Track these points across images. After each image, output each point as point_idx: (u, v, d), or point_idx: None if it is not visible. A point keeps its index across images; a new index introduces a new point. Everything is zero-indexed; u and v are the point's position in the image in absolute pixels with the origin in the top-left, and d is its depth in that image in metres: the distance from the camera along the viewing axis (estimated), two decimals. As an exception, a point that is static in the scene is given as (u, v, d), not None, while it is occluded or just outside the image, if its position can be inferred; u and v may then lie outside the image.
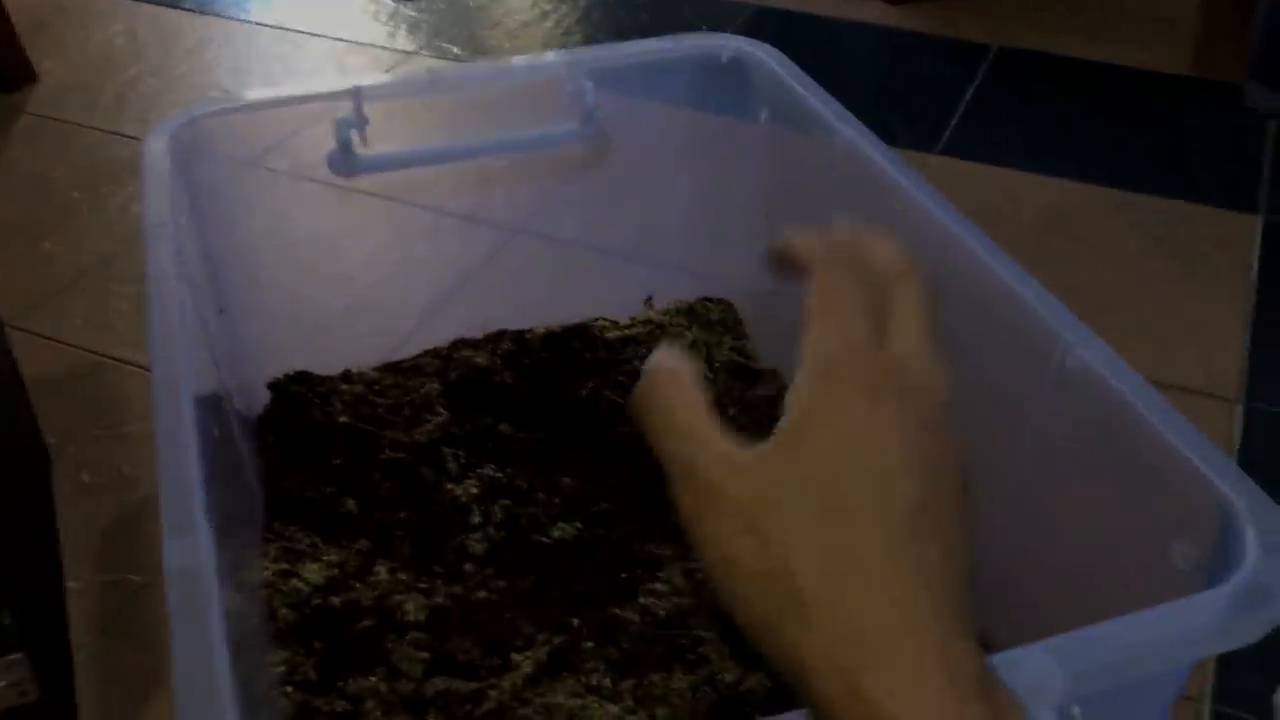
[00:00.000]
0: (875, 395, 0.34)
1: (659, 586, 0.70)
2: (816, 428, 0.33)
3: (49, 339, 1.10)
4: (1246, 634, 0.45)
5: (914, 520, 0.32)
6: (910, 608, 0.31)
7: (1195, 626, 0.45)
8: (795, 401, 0.34)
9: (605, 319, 0.95)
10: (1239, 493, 0.50)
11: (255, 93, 0.81)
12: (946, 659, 0.31)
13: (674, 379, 0.37)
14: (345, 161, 0.83)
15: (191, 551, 0.48)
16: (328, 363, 0.91)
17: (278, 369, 0.89)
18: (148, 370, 1.04)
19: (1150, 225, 1.24)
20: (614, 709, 0.62)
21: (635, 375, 0.91)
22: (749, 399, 0.87)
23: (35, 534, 0.89)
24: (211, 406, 0.68)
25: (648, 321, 0.95)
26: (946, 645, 0.31)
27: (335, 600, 0.69)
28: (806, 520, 0.32)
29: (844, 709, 0.31)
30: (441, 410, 0.85)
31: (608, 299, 0.97)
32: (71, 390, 1.05)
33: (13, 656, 0.69)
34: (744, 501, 0.33)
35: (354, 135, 0.82)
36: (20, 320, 1.12)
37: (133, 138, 1.39)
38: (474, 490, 0.78)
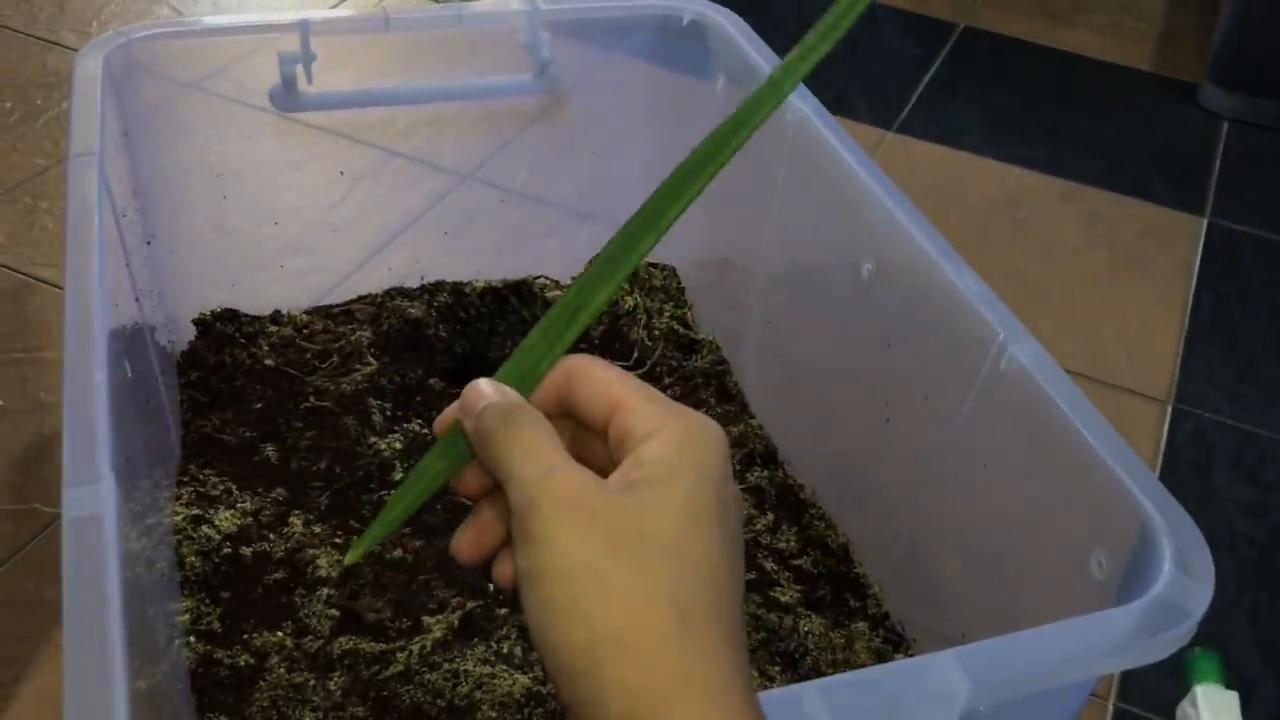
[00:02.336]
0: (725, 460, 0.35)
1: (579, 556, 0.70)
2: (682, 478, 0.34)
3: (-31, 254, 1.06)
4: (1155, 652, 0.46)
5: (742, 581, 0.35)
6: (742, 662, 0.33)
7: (1105, 643, 0.45)
8: (655, 456, 0.35)
9: (546, 277, 0.94)
10: (1160, 508, 0.50)
11: (197, 18, 0.78)
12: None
13: (518, 409, 0.37)
14: (288, 97, 0.80)
15: (92, 501, 0.46)
16: (257, 302, 0.88)
17: (205, 305, 0.86)
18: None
19: (1095, 218, 1.25)
20: (523, 679, 0.61)
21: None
22: (685, 370, 0.87)
23: (-58, 456, 0.86)
24: (130, 340, 0.65)
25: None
26: (751, 699, 0.33)
27: (246, 551, 0.67)
28: (671, 557, 0.33)
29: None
30: (371, 360, 0.83)
31: (551, 256, 0.96)
32: (-10, 309, 1.01)
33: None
34: (614, 523, 0.33)
35: (299, 70, 0.79)
36: (-59, 232, 1.08)
37: (70, 49, 1.34)
38: (398, 445, 0.76)
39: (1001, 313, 0.59)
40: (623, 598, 0.32)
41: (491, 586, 0.67)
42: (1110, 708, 0.80)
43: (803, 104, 0.75)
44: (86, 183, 0.61)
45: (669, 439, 0.35)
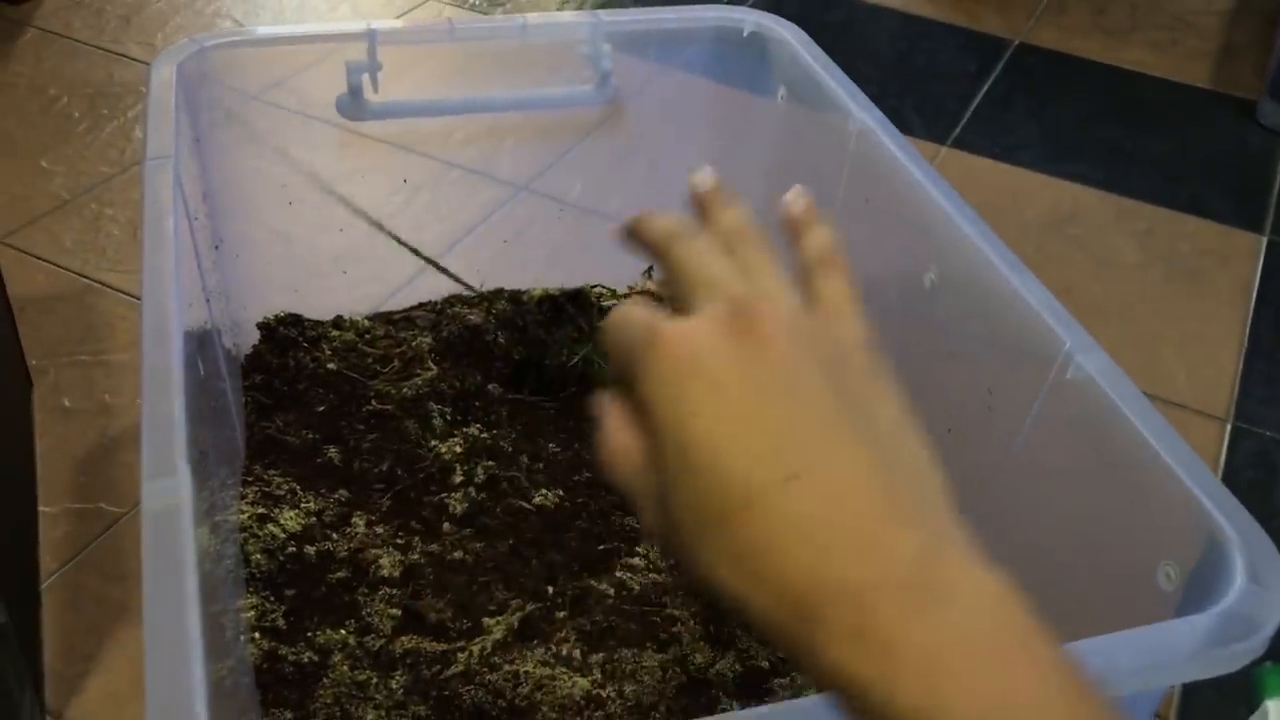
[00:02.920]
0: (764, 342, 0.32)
1: (636, 561, 0.70)
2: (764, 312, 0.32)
3: (38, 258, 1.09)
4: (1227, 664, 0.45)
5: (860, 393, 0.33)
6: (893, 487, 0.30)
7: (1174, 653, 0.45)
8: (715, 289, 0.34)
9: (603, 286, 0.94)
10: (1231, 520, 0.49)
11: (267, 28, 0.79)
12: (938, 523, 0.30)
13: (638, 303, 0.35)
14: (354, 105, 0.82)
15: (170, 494, 0.47)
16: (320, 307, 0.90)
17: (269, 309, 0.88)
18: (136, 298, 1.03)
19: (1152, 236, 1.24)
20: (582, 682, 0.62)
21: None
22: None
23: (11, 456, 0.88)
24: (199, 342, 0.67)
25: (645, 292, 0.94)
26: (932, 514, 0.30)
27: (310, 550, 0.68)
28: (776, 395, 0.31)
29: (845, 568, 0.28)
30: (431, 365, 0.84)
31: (607, 265, 0.97)
32: (58, 312, 1.03)
33: (-22, 578, 0.68)
34: (719, 367, 0.31)
35: (365, 79, 0.80)
36: (10, 237, 1.10)
37: (136, 60, 1.37)
38: (458, 449, 0.77)
39: (1067, 321, 0.59)
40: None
41: (551, 589, 0.68)
42: (1170, 727, 0.79)
43: (865, 115, 0.75)
44: (161, 185, 0.63)
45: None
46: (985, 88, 1.47)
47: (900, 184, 0.70)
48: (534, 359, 0.88)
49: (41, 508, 0.87)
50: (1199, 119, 1.44)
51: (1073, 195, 1.29)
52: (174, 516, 0.46)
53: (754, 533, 0.29)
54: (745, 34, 0.86)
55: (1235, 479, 0.96)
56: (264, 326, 0.86)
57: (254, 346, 0.85)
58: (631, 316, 0.34)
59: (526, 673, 0.62)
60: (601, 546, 0.71)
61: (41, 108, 1.28)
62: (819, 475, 0.30)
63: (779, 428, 0.30)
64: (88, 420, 0.93)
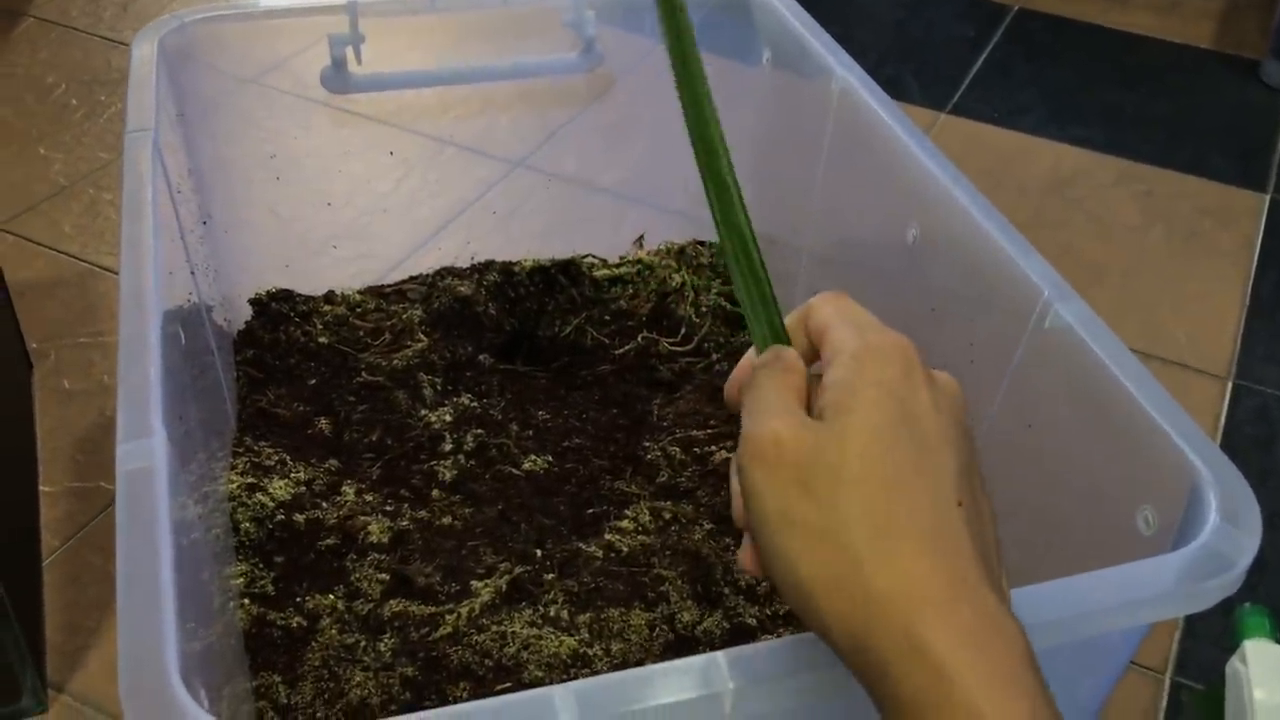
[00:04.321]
0: (910, 371, 0.36)
1: (625, 524, 0.70)
2: (866, 398, 0.35)
3: (38, 244, 1.09)
4: (1201, 600, 0.45)
5: (955, 486, 0.34)
6: (961, 568, 0.33)
7: (1150, 588, 0.44)
8: (836, 380, 0.36)
9: (594, 256, 0.94)
10: (1206, 460, 0.49)
11: (249, 3, 0.79)
12: (998, 620, 0.32)
13: (761, 367, 0.39)
14: (339, 78, 0.82)
15: (144, 454, 0.47)
16: (312, 284, 0.90)
17: (260, 286, 0.88)
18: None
19: (1153, 197, 1.23)
20: (570, 641, 0.62)
21: (620, 314, 0.91)
22: (734, 345, 0.87)
23: (12, 437, 0.88)
24: (184, 315, 0.67)
25: (637, 261, 0.94)
26: (995, 605, 0.32)
27: (299, 517, 0.69)
28: (857, 483, 0.34)
29: (902, 663, 0.32)
30: (422, 337, 0.84)
31: (599, 236, 0.96)
32: (57, 296, 1.04)
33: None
34: (801, 463, 0.34)
35: (348, 52, 0.81)
36: (9, 223, 1.11)
37: (135, 47, 1.37)
38: (448, 418, 0.77)
39: (1045, 271, 0.59)
40: (815, 539, 0.33)
41: (539, 553, 0.68)
42: (1166, 682, 0.78)
43: (847, 73, 0.75)
44: (141, 157, 0.63)
45: (849, 360, 0.36)
46: (985, 54, 1.47)
47: (881, 140, 0.70)
48: (526, 330, 0.88)
49: (42, 487, 0.88)
50: (1201, 80, 1.43)
51: (1073, 158, 1.28)
52: (149, 478, 0.46)
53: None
54: (728, -3, 0.85)
55: (1236, 436, 0.96)
56: (255, 302, 0.86)
57: (246, 322, 0.86)
58: (760, 397, 0.37)
59: (514, 633, 0.62)
60: (590, 510, 0.72)
61: (39, 95, 1.29)
62: (892, 570, 0.33)
63: (859, 528, 0.34)
64: (87, 401, 0.94)
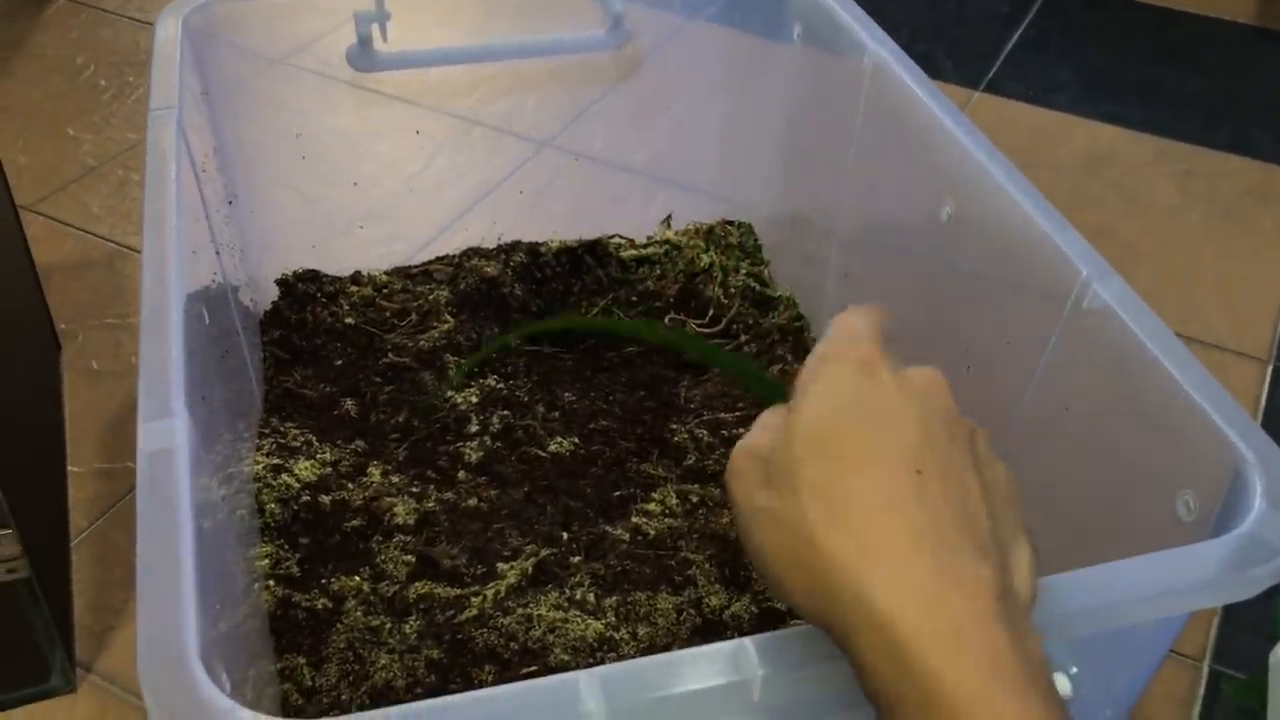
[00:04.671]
0: (867, 367, 0.37)
1: (652, 507, 0.69)
2: (812, 391, 0.37)
3: (67, 225, 1.09)
4: (1244, 589, 0.44)
5: (915, 457, 0.35)
6: (918, 529, 0.33)
7: (1192, 576, 0.43)
8: (800, 379, 0.38)
9: (621, 236, 0.93)
10: (1250, 444, 0.48)
11: (274, -20, 0.79)
12: (960, 577, 0.32)
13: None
14: (364, 56, 0.81)
15: (165, 435, 0.47)
16: (339, 264, 0.90)
17: (287, 266, 0.88)
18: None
19: (1191, 176, 1.20)
20: (596, 624, 0.61)
21: (647, 295, 0.90)
22: (763, 327, 0.86)
23: (40, 417, 0.89)
24: (209, 294, 0.67)
25: (665, 241, 0.93)
26: (959, 566, 0.32)
27: (325, 499, 0.68)
28: (806, 463, 0.35)
29: (858, 627, 0.32)
30: (448, 318, 0.84)
31: (626, 216, 0.95)
32: (86, 277, 1.04)
33: (2, 533, 0.68)
34: (764, 460, 0.36)
35: (374, 29, 0.80)
36: (39, 204, 1.11)
37: (163, 28, 1.37)
38: (474, 399, 0.76)
39: (1084, 249, 0.57)
40: (777, 525, 0.35)
41: (565, 535, 0.67)
42: (1205, 670, 0.77)
43: (880, 48, 0.73)
44: (164, 135, 0.63)
45: (808, 364, 0.38)
46: (1019, 31, 1.44)
47: (914, 117, 0.69)
48: (552, 310, 0.87)
49: (71, 467, 0.88)
50: (1241, 56, 1.40)
51: (1109, 137, 1.26)
52: (169, 459, 0.46)
53: None
54: (759, -28, 0.84)
55: (1277, 420, 0.94)
56: (282, 283, 0.86)
57: (273, 303, 0.85)
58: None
59: (539, 616, 0.61)
60: (617, 493, 0.71)
61: (69, 77, 1.29)
62: (847, 548, 0.35)
63: (815, 514, 0.35)
64: (115, 382, 0.94)
